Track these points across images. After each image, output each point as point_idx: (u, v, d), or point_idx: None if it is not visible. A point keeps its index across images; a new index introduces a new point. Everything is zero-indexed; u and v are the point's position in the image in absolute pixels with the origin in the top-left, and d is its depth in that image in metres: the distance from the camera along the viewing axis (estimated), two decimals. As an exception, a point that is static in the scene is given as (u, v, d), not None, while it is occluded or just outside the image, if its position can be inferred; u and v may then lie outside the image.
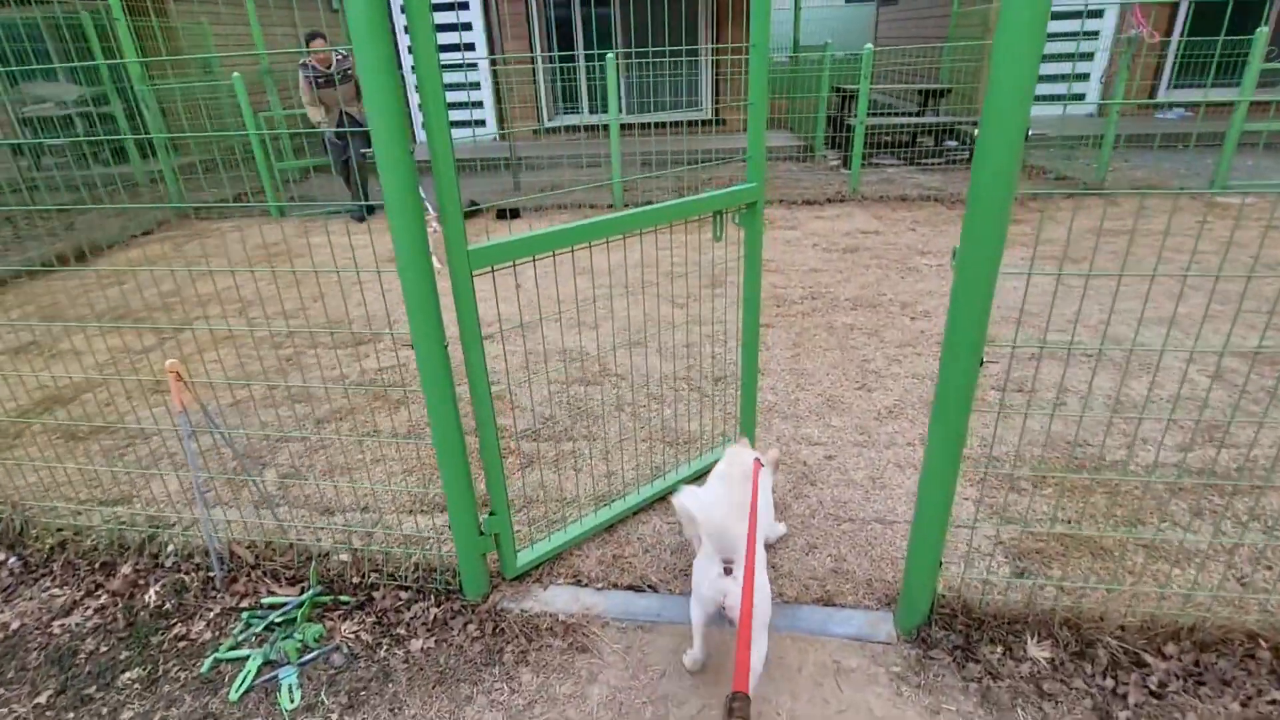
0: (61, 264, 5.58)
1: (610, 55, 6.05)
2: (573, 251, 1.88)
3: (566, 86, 10.07)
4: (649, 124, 9.16)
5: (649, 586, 2.05)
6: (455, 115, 10.59)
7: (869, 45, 6.09)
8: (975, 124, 5.12)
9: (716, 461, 2.04)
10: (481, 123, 10.48)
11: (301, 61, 5.49)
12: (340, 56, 5.50)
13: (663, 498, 2.41)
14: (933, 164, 7.61)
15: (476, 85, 9.98)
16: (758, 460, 1.93)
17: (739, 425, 2.68)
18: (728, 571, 1.55)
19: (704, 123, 9.61)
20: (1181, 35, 8.63)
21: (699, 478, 2.52)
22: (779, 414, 2.92)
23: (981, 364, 1.54)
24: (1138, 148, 7.73)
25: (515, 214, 6.37)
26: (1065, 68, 9.05)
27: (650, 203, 6.23)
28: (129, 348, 3.92)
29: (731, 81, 9.06)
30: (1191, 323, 3.55)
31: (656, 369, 3.36)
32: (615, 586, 2.05)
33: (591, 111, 10.08)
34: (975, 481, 2.43)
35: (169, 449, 2.90)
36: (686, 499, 1.54)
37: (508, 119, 7.87)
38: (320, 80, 5.53)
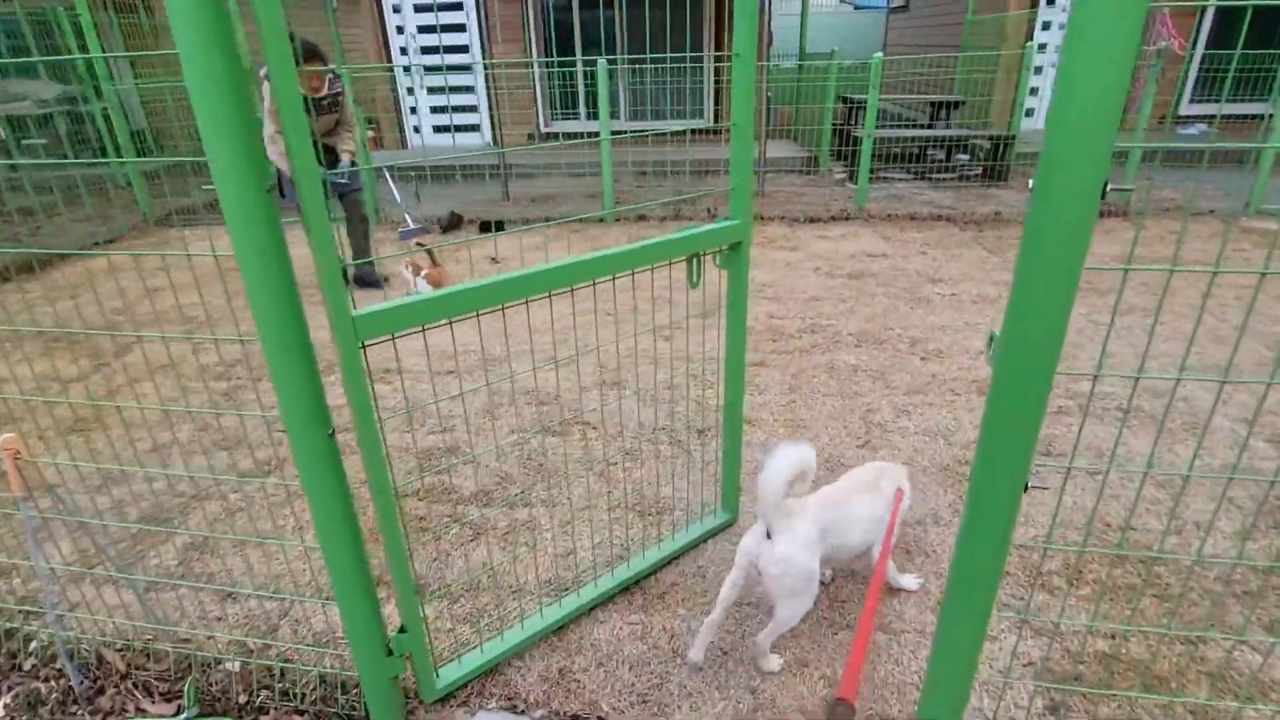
0: (13, 273, 5.24)
1: (601, 61, 5.69)
2: (503, 310, 1.51)
3: (564, 92, 9.72)
4: (646, 133, 8.82)
5: (598, 718, 1.67)
6: (444, 120, 10.25)
7: (878, 54, 5.71)
8: (990, 138, 4.72)
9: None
10: (475, 128, 10.15)
11: (270, 76, 4.44)
12: (332, 78, 4.27)
13: (626, 589, 2.03)
14: (944, 179, 7.22)
15: (470, 89, 9.65)
16: (900, 490, 1.91)
17: (720, 495, 2.30)
18: (768, 536, 1.61)
19: (706, 131, 9.25)
20: (1205, 47, 8.24)
21: (670, 561, 2.14)
22: (769, 477, 2.54)
23: (1026, 489, 1.15)
24: (1157, 165, 7.33)
25: (499, 226, 6.00)
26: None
27: (642, 218, 5.86)
28: (59, 375, 3.56)
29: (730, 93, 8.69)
30: (1239, 370, 3.16)
31: (634, 414, 2.98)
32: (557, 716, 1.67)
33: (590, 118, 9.73)
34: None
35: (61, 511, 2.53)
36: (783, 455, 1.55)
37: (496, 125, 7.53)
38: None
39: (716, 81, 8.85)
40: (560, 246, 5.57)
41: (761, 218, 6.02)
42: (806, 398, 3.06)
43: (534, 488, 2.52)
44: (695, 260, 1.91)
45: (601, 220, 6.18)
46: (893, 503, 1.84)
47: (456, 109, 10.13)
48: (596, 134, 6.42)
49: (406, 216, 6.06)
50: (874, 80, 5.69)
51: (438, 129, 10.35)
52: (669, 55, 8.54)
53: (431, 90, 10.07)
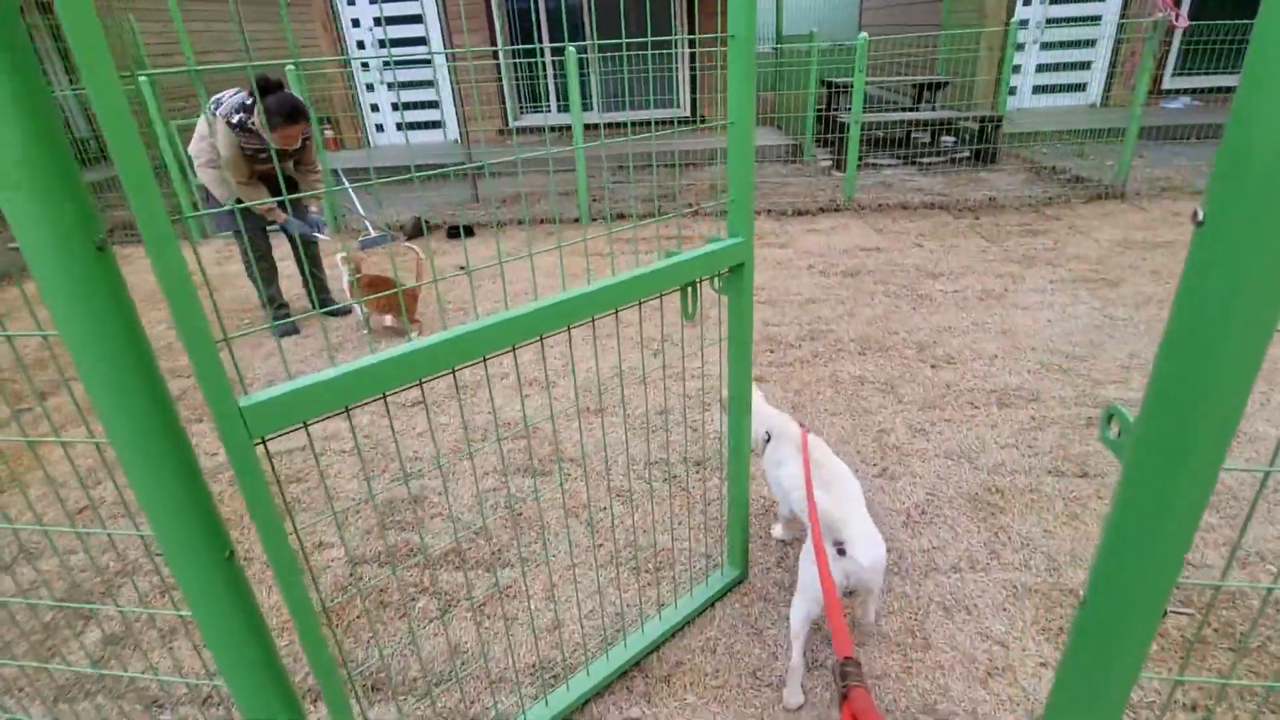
0: (-64, 303, 4.80)
1: (570, 49, 5.33)
2: (454, 373, 1.19)
3: (532, 85, 9.32)
4: (623, 124, 8.46)
5: None
6: (406, 118, 9.81)
7: (863, 34, 5.40)
8: (977, 119, 4.39)
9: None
10: (438, 124, 9.72)
11: (233, 119, 3.32)
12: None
13: (624, 673, 1.73)
14: (932, 163, 6.96)
15: (430, 84, 9.21)
16: (803, 426, 1.94)
17: (726, 548, 2.01)
18: (841, 553, 1.54)
19: (682, 121, 8.91)
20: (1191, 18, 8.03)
21: (674, 634, 1.84)
22: (775, 518, 2.25)
23: (1164, 616, 0.86)
24: (1145, 140, 7.12)
25: (469, 231, 5.64)
26: (1066, 55, 8.44)
27: (621, 216, 5.52)
28: (-26, 422, 3.17)
29: (709, 76, 8.34)
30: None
31: (621, 446, 2.67)
32: None
33: (562, 110, 9.33)
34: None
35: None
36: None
37: (462, 121, 7.13)
38: (256, 152, 3.46)
39: (692, 68, 8.50)
40: (538, 246, 5.22)
41: (746, 212, 5.71)
42: (812, 418, 2.77)
43: (512, 544, 2.21)
44: (691, 289, 1.59)
45: (577, 220, 5.84)
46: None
47: (418, 105, 9.70)
48: (569, 127, 6.07)
49: (367, 224, 5.67)
50: (859, 62, 5.39)
51: (401, 126, 9.91)
52: (648, 40, 8.17)
53: (393, 86, 9.62)
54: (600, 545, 2.18)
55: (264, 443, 1.02)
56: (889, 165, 7.08)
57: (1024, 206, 5.47)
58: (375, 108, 9.90)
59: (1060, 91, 8.81)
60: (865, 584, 1.59)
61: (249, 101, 3.31)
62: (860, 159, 5.80)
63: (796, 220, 5.51)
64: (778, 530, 2.16)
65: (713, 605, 1.94)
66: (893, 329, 3.51)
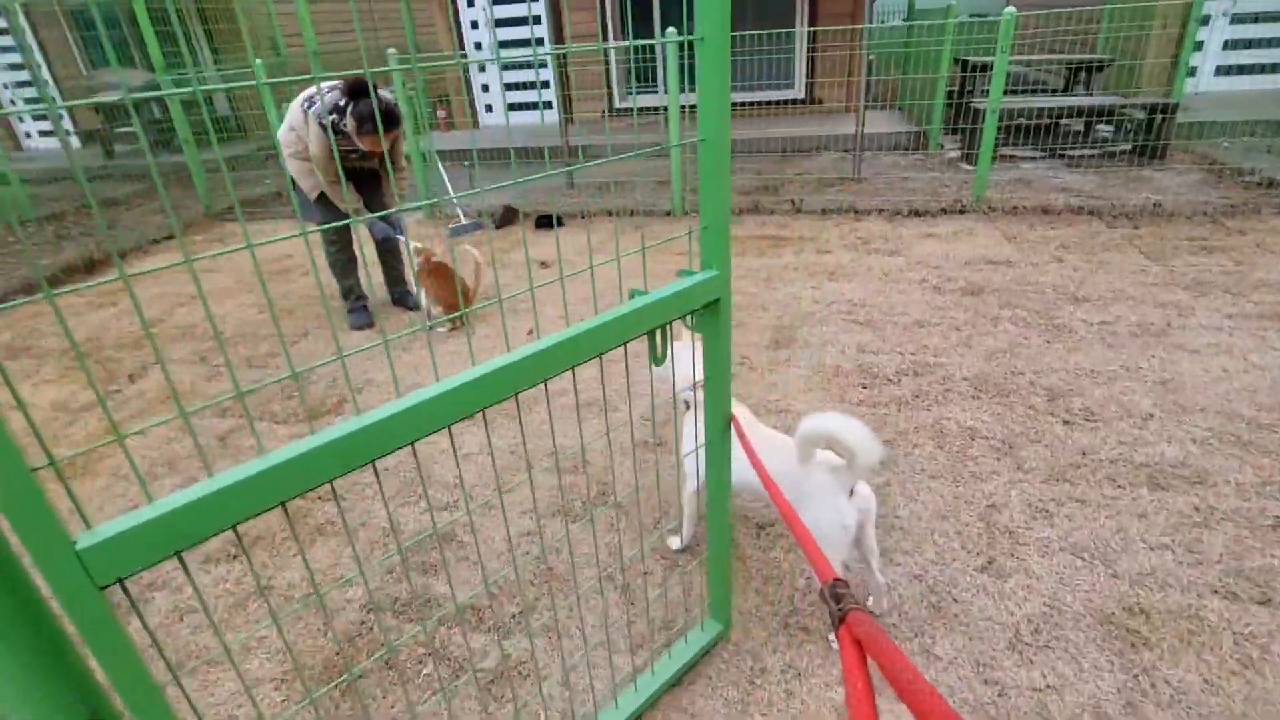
0: (69, 276, 5.17)
1: (670, 30, 4.96)
2: (332, 482, 0.91)
3: (641, 65, 8.99)
4: (731, 104, 7.98)
5: None
6: (517, 98, 9.77)
7: (1010, 8, 4.67)
8: (1144, 106, 3.55)
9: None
10: (549, 105, 9.60)
11: (325, 119, 3.24)
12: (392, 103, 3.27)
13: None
14: (1082, 157, 6.04)
15: (541, 64, 9.07)
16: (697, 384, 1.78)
17: (707, 600, 1.66)
18: (851, 494, 1.60)
19: (796, 102, 8.30)
20: None
21: (650, 706, 1.53)
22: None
23: None
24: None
25: (559, 221, 5.44)
26: (1264, 30, 7.09)
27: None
28: (67, 405, 3.31)
29: (826, 59, 7.67)
30: None
31: (585, 530, 2.35)
32: None
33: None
34: None
35: None
36: (822, 421, 1.54)
37: (560, 105, 6.92)
38: (345, 153, 3.39)
39: (811, 50, 7.86)
40: (625, 242, 4.94)
41: (856, 211, 5.15)
42: (905, 479, 2.33)
43: (519, 614, 1.96)
44: (660, 333, 1.34)
45: (669, 213, 5.50)
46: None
47: (526, 86, 9.62)
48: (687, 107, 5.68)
49: (459, 210, 5.60)
50: (1004, 41, 4.66)
51: (512, 107, 9.90)
52: (771, 28, 7.62)
53: (504, 67, 9.58)
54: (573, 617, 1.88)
55: (122, 583, 0.79)
56: (1029, 158, 6.22)
57: (1197, 215, 4.58)
58: (486, 88, 9.93)
59: (1253, 73, 7.45)
60: (869, 518, 1.67)
61: (342, 103, 3.22)
62: (995, 150, 5.07)
63: (913, 222, 4.89)
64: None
65: (694, 667, 1.61)
66: (1018, 368, 2.95)
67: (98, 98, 9.38)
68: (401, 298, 4.07)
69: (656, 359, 1.34)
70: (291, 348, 3.70)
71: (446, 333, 3.75)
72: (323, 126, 3.23)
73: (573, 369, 1.15)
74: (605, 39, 8.86)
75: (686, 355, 1.92)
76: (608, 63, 8.95)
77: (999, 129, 5.10)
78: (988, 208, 4.97)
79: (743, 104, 7.85)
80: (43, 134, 12.13)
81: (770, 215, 5.26)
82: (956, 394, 2.80)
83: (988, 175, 5.08)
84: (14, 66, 11.34)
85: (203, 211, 6.61)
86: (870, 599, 1.82)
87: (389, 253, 3.95)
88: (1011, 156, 6.25)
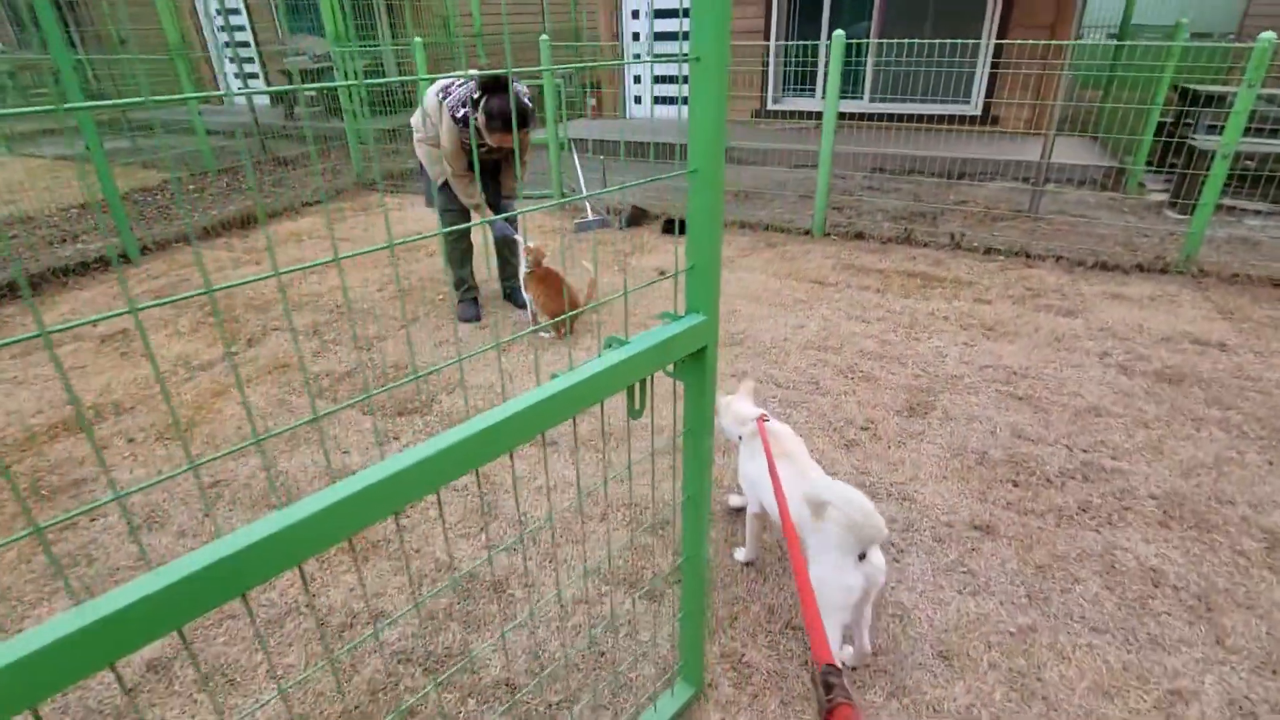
0: (226, 230, 5.52)
1: (838, 33, 4.49)
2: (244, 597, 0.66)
3: (801, 68, 8.46)
4: (894, 115, 7.30)
5: None
6: (667, 91, 9.54)
7: (1270, 34, 3.80)
8: None
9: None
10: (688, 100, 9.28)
11: (458, 113, 3.11)
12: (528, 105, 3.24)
13: None
14: (1334, 219, 4.92)
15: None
16: (762, 417, 1.91)
17: (679, 661, 1.28)
18: (862, 558, 1.53)
19: (969, 119, 7.48)
20: None
21: None
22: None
23: None
24: None
25: (685, 227, 5.13)
26: None
27: (860, 236, 4.63)
28: (189, 360, 3.44)
29: (1012, 75, 6.80)
30: None
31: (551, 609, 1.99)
32: None
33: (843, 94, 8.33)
34: None
35: (111, 556, 2.20)
36: (832, 490, 1.52)
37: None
38: (480, 147, 3.24)
39: (995, 64, 7.03)
40: (755, 259, 4.57)
41: (1027, 255, 4.46)
42: (1057, 626, 1.84)
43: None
44: (640, 388, 1.20)
45: (808, 232, 5.04)
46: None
47: (677, 80, 9.35)
48: (844, 114, 5.16)
49: (588, 205, 5.44)
50: (1254, 73, 3.80)
51: (658, 100, 9.70)
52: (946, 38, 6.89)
53: (658, 58, 9.38)
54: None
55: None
56: (1259, 213, 5.16)
57: None
58: (637, 79, 9.79)
59: None
60: (876, 589, 1.60)
61: (475, 96, 3.11)
62: (1218, 201, 4.19)
63: (1097, 277, 4.15)
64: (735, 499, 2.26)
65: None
66: (1226, 493, 2.32)
67: (289, 60, 10.14)
68: (513, 294, 3.94)
69: (634, 412, 1.19)
70: (399, 332, 3.66)
71: (550, 338, 3.57)
72: (455, 119, 3.13)
73: (542, 436, 0.85)
74: (768, 38, 8.41)
75: (737, 401, 2.06)
76: (765, 62, 8.51)
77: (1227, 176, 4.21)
78: (1198, 270, 4.12)
79: (906, 116, 7.15)
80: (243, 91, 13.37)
81: (923, 249, 4.67)
82: (1138, 516, 2.23)
83: (1204, 230, 4.22)
84: (223, 28, 12.55)
85: (354, 179, 6.90)
86: (847, 648, 1.72)
87: (507, 246, 3.82)
88: (1234, 209, 5.22)
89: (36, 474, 2.60)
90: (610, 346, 1.13)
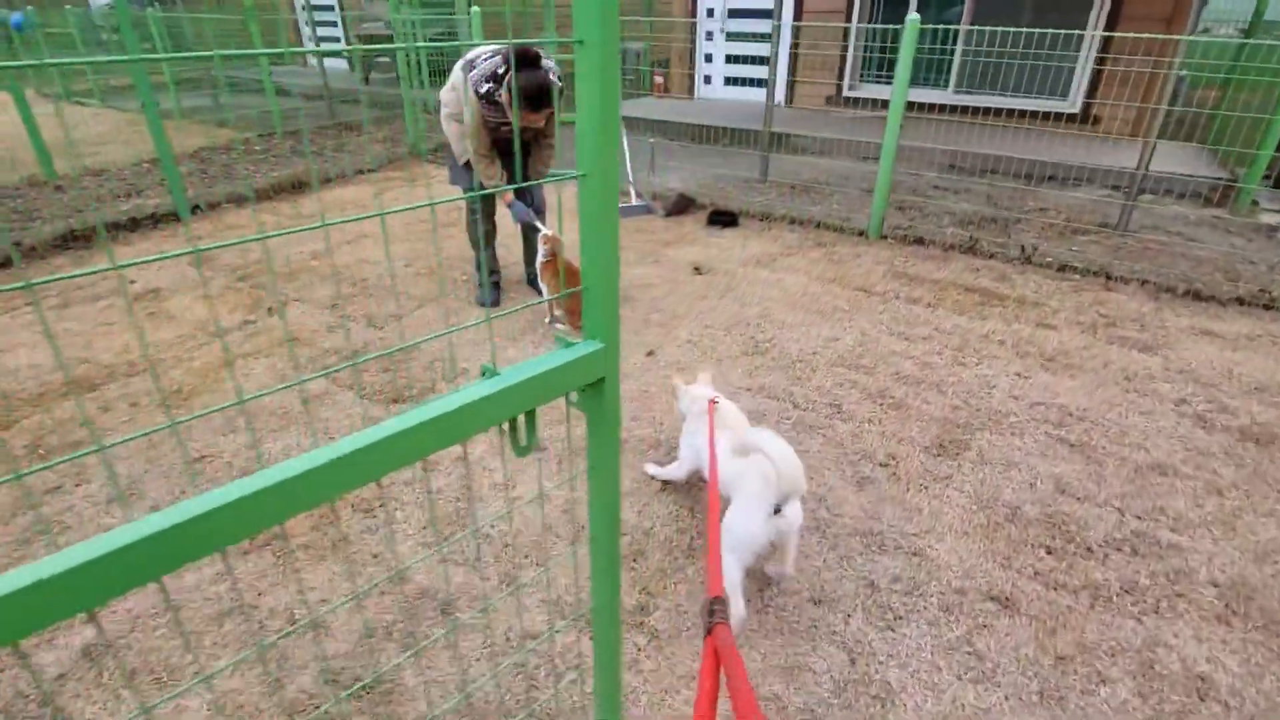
0: (278, 193, 5.57)
1: (912, 15, 4.09)
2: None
3: (882, 52, 7.92)
4: (981, 109, 6.74)
5: None
6: (737, 72, 9.15)
7: None
8: None
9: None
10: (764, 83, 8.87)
11: (482, 88, 2.96)
12: (553, 71, 3.02)
13: None
14: None
15: (766, 37, 8.35)
16: (713, 400, 2.08)
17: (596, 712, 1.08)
18: (777, 512, 1.68)
19: (1066, 118, 6.84)
20: None
21: None
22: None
23: None
24: None
25: (732, 220, 4.86)
26: None
27: (921, 240, 4.26)
28: (206, 326, 3.44)
29: (1120, 71, 6.14)
30: None
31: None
32: None
33: (927, 84, 7.79)
34: None
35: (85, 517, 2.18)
36: (762, 440, 1.65)
37: (771, 86, 6.20)
38: (498, 124, 3.10)
39: (1100, 59, 6.36)
40: (799, 259, 4.27)
41: (1107, 277, 3.99)
42: (1070, 733, 1.56)
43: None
44: (524, 422, 1.02)
45: (862, 234, 4.68)
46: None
47: (752, 60, 8.96)
48: (927, 105, 4.71)
49: (631, 189, 5.22)
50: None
51: (729, 81, 9.32)
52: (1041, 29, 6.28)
53: (730, 37, 9.00)
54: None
55: None
56: (1397, 245, 4.48)
57: None
58: (709, 58, 9.43)
59: None
60: (792, 540, 1.79)
61: (501, 71, 2.94)
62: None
63: (1186, 307, 3.67)
64: (652, 468, 2.36)
65: None
66: (1310, 588, 1.95)
67: (365, 26, 10.24)
68: (535, 280, 3.79)
69: (519, 449, 1.02)
70: (416, 311, 3.57)
71: (565, 330, 3.40)
72: (478, 95, 2.97)
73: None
74: (849, 19, 7.91)
75: (696, 387, 2.24)
76: (845, 44, 8.01)
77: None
78: (1312, 308, 3.59)
79: (993, 111, 6.58)
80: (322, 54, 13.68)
81: (988, 260, 4.26)
82: (1193, 606, 1.90)
83: (1324, 262, 3.66)
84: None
85: (409, 148, 6.88)
86: (773, 569, 1.90)
87: (533, 229, 3.66)
88: (1367, 237, 4.55)
89: (41, 432, 2.63)
90: (485, 375, 0.97)
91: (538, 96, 2.88)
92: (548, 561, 2.00)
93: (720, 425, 1.96)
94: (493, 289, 3.68)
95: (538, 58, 2.93)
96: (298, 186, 5.72)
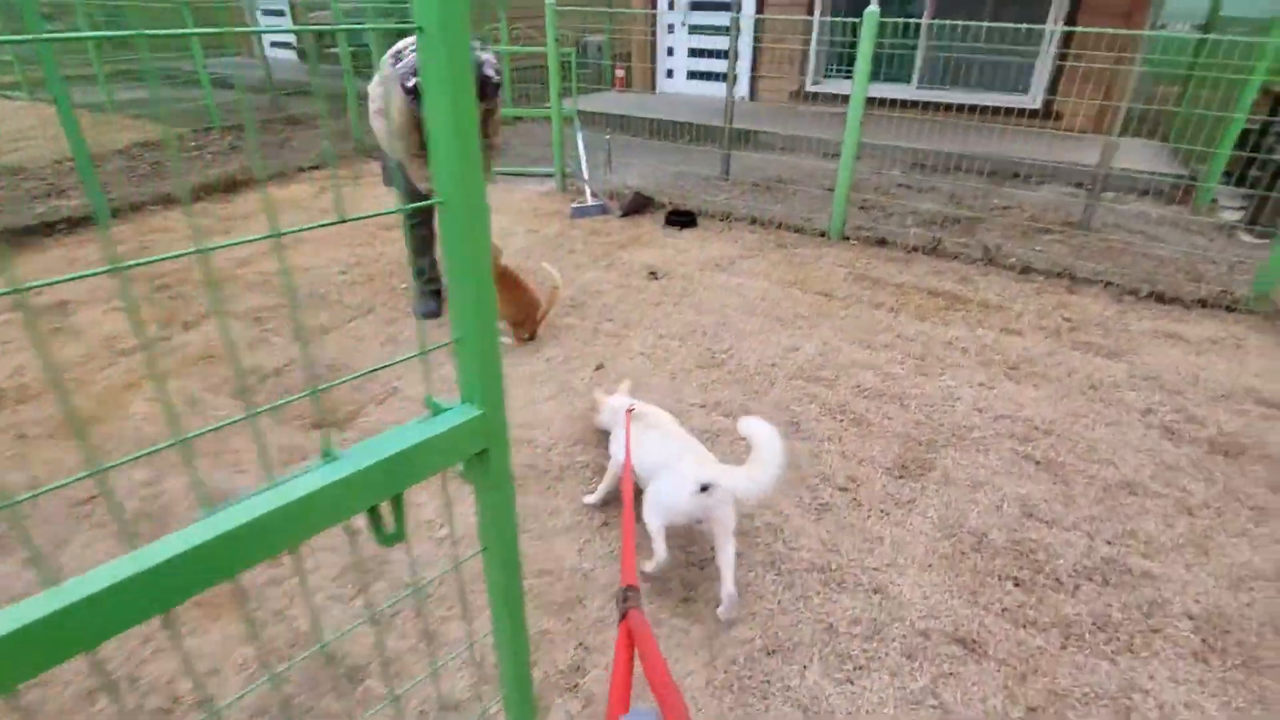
0: (208, 194, 5.23)
1: (871, 8, 3.96)
2: None
3: (846, 47, 7.81)
4: (945, 105, 6.66)
5: None
6: (700, 66, 8.98)
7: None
8: None
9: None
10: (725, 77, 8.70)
11: (409, 82, 2.69)
12: (493, 73, 2.82)
13: None
14: None
15: (725, 30, 8.19)
16: (630, 409, 2.13)
17: None
18: (704, 490, 1.74)
19: (1027, 114, 6.79)
20: None
21: None
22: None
23: None
24: None
25: (690, 220, 4.68)
26: None
27: (883, 242, 4.12)
28: (116, 343, 3.15)
29: (1080, 67, 6.09)
30: None
31: None
32: None
33: (882, 79, 7.70)
34: None
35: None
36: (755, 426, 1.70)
37: (729, 80, 6.02)
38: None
39: (1062, 55, 6.32)
40: (760, 261, 4.11)
41: (1072, 278, 3.91)
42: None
43: None
44: (393, 503, 0.82)
45: (824, 234, 4.54)
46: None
47: (713, 54, 8.78)
48: (899, 101, 4.58)
49: (586, 188, 5.01)
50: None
51: (692, 75, 9.13)
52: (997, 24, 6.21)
53: (693, 30, 8.81)
54: None
55: None
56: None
57: None
58: (671, 51, 9.23)
59: None
60: (723, 519, 1.80)
61: None
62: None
63: (1150, 309, 3.60)
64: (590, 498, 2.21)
65: None
66: (1286, 619, 1.85)
67: (310, 17, 9.81)
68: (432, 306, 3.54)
69: (384, 539, 0.83)
70: (348, 324, 3.32)
71: (509, 344, 3.19)
72: (405, 89, 2.73)
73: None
74: (811, 13, 7.78)
75: (614, 399, 2.31)
76: (808, 37, 7.89)
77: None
78: (1274, 310, 3.54)
79: (956, 107, 6.51)
80: (274, 45, 13.17)
81: (952, 261, 4.15)
82: (1169, 642, 1.77)
83: (1285, 261, 3.61)
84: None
85: (353, 144, 6.57)
86: (721, 607, 1.78)
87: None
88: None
89: (-91, 469, 2.34)
90: (326, 457, 0.78)
91: (479, 89, 2.65)
92: (474, 624, 1.80)
93: (652, 425, 2.04)
94: (433, 297, 3.44)
95: (489, 83, 2.70)
96: (231, 187, 5.38)
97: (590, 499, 2.20)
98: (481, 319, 0.81)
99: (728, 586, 1.76)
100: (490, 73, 2.79)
